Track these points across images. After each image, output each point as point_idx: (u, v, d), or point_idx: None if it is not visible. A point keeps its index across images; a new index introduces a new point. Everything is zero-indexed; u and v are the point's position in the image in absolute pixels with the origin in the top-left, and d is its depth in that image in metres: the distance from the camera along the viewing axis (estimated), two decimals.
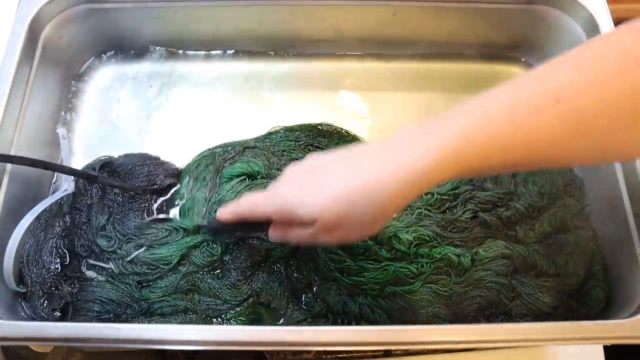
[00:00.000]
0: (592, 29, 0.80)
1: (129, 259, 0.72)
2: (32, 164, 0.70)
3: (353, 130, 0.86)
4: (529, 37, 0.90)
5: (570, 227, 0.76)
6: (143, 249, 0.73)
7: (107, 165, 0.79)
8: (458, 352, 0.76)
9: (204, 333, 0.59)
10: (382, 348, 0.58)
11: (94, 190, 0.77)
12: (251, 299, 0.71)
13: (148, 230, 0.75)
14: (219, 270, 0.73)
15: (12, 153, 0.73)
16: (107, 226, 0.75)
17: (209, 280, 0.72)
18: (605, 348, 0.77)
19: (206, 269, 0.72)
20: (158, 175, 0.80)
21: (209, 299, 0.71)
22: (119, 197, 0.77)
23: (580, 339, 0.59)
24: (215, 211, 0.72)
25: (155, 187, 0.79)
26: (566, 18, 0.84)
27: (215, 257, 0.72)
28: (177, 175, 0.82)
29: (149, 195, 0.79)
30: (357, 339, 0.57)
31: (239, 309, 0.70)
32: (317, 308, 0.71)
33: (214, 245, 0.73)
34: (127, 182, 0.78)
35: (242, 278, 0.72)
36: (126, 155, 0.81)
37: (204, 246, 0.73)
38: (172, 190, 0.81)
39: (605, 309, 0.70)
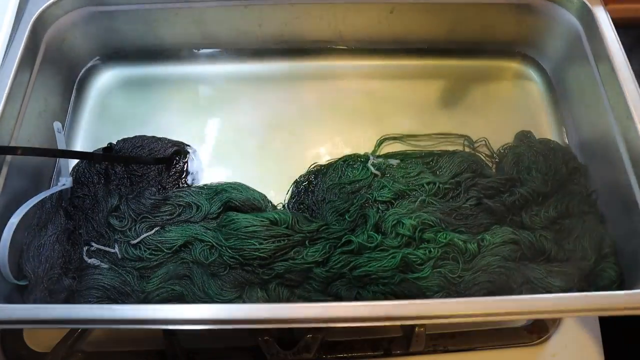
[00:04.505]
0: (588, 19, 0.81)
1: (137, 240, 0.71)
2: (42, 153, 0.73)
3: (353, 127, 0.87)
4: (526, 31, 0.91)
5: (577, 212, 0.75)
6: (154, 230, 0.72)
7: (108, 151, 0.80)
8: (458, 353, 0.74)
9: (203, 311, 0.57)
10: (389, 324, 0.56)
11: (95, 178, 0.77)
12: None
13: (164, 208, 0.75)
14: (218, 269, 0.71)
15: None
16: (120, 206, 0.75)
17: (202, 274, 0.70)
18: (605, 345, 0.74)
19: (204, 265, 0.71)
20: (159, 149, 0.81)
21: (199, 292, 0.69)
22: (125, 180, 0.78)
23: (588, 310, 0.57)
24: None
25: (162, 156, 0.81)
26: (561, 10, 0.86)
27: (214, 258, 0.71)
28: (179, 144, 0.83)
29: (159, 166, 0.80)
30: (364, 313, 0.56)
31: None
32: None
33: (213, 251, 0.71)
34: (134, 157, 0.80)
35: (232, 287, 0.70)
36: (124, 140, 0.82)
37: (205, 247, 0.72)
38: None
39: (619, 289, 0.68)
